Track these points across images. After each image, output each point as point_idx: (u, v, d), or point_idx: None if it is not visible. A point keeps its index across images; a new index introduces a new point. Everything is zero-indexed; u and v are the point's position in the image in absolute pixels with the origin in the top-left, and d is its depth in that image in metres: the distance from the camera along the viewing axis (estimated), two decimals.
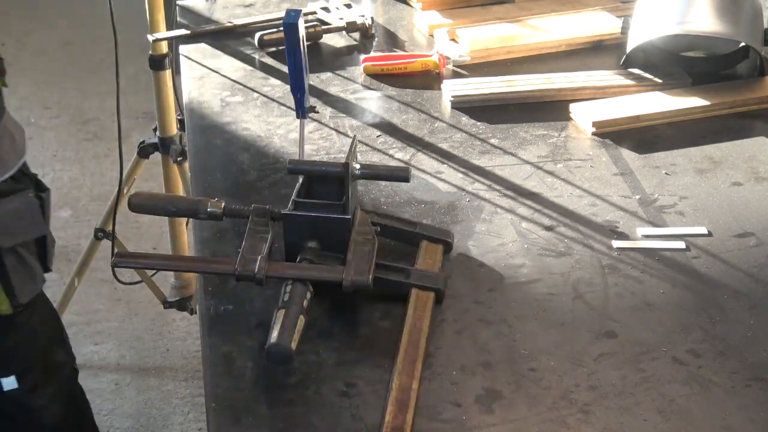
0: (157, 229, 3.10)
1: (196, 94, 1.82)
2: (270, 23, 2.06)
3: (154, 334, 2.86)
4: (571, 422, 1.10)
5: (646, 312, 1.27)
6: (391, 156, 1.63)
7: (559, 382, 1.16)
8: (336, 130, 1.70)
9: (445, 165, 1.60)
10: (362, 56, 1.94)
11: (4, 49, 3.88)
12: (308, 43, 1.75)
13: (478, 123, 1.72)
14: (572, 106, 1.73)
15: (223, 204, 1.33)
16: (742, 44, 1.87)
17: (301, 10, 1.42)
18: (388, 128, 1.71)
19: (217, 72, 1.90)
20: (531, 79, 1.82)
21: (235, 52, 1.98)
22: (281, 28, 1.45)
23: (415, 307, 1.25)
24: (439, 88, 1.83)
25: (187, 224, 2.64)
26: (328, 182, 1.33)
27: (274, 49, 1.97)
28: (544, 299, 1.30)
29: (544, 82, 1.81)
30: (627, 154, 1.63)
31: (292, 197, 1.31)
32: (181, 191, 2.53)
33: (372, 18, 2.07)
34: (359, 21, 2.04)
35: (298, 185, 1.34)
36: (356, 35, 2.05)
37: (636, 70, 1.85)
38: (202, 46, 2.00)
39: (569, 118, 1.73)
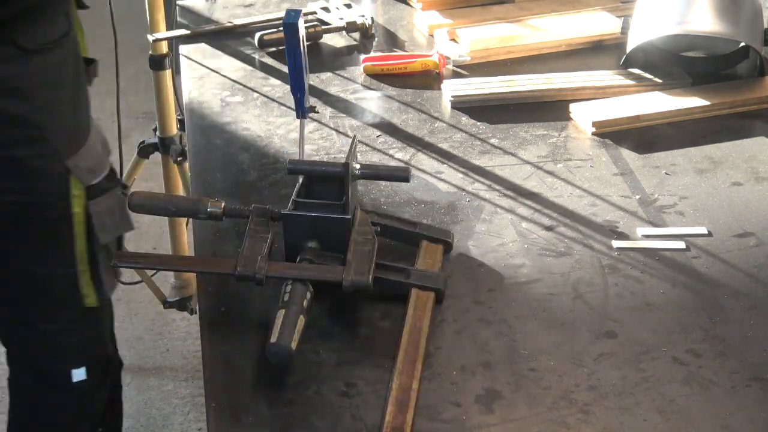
0: (157, 229, 3.10)
1: (196, 94, 1.82)
2: (270, 23, 2.06)
3: (154, 334, 2.86)
4: (571, 422, 1.10)
5: (646, 312, 1.27)
6: (391, 156, 1.63)
7: (559, 382, 1.16)
8: (336, 130, 1.70)
9: (445, 165, 1.60)
10: (362, 56, 1.94)
11: None
12: (308, 43, 1.75)
13: (478, 123, 1.72)
14: (572, 106, 1.73)
15: (223, 204, 1.33)
16: (742, 44, 1.87)
17: (301, 10, 1.42)
18: (388, 128, 1.71)
19: (217, 72, 1.90)
20: (531, 79, 1.82)
21: (235, 52, 1.98)
22: (281, 28, 1.45)
23: (415, 307, 1.25)
24: (439, 88, 1.83)
25: (187, 224, 2.65)
26: (328, 182, 1.33)
27: (274, 49, 1.97)
28: (544, 299, 1.30)
29: (544, 82, 1.81)
30: (627, 154, 1.63)
31: (292, 197, 1.31)
32: (181, 191, 2.53)
33: (372, 18, 2.07)
34: (359, 21, 2.04)
35: (298, 185, 1.34)
36: (356, 35, 2.05)
37: (636, 70, 1.85)
38: (202, 46, 2.01)
39: (569, 118, 1.73)
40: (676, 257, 1.37)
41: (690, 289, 1.32)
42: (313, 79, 1.85)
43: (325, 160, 1.60)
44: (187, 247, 2.67)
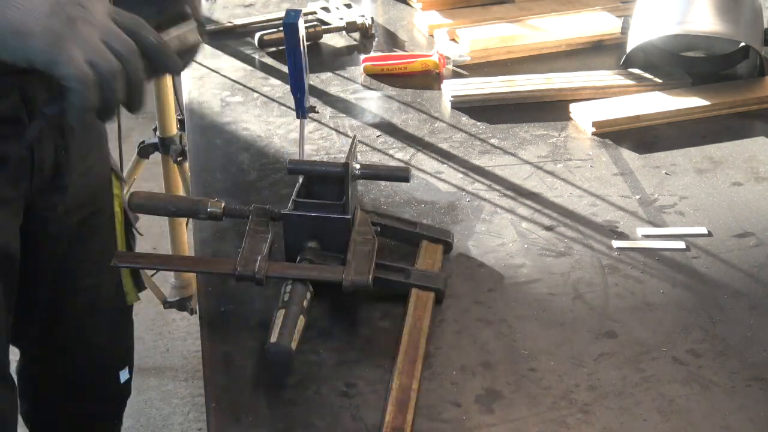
0: (157, 229, 3.09)
1: (196, 94, 1.82)
2: (270, 23, 2.06)
3: (154, 334, 2.86)
4: (571, 422, 1.10)
5: (646, 312, 1.27)
6: (391, 156, 1.63)
7: (559, 382, 1.16)
8: (336, 130, 1.70)
9: (445, 165, 1.60)
10: (362, 56, 1.94)
11: None
12: (308, 43, 1.75)
13: (478, 123, 1.72)
14: (572, 106, 1.73)
15: (223, 204, 1.33)
16: (742, 44, 1.87)
17: (301, 10, 1.42)
18: (388, 128, 1.71)
19: (217, 72, 1.90)
20: (531, 79, 1.82)
21: (235, 52, 1.98)
22: (281, 28, 1.45)
23: (415, 307, 1.25)
24: (439, 88, 1.83)
25: (187, 224, 2.65)
26: (328, 182, 1.33)
27: (274, 49, 1.97)
28: (544, 299, 1.30)
29: (544, 82, 1.81)
30: (627, 154, 1.63)
31: (292, 197, 1.31)
32: (181, 191, 2.53)
33: (372, 18, 2.07)
34: (359, 21, 2.04)
35: (298, 185, 1.34)
36: (356, 35, 2.05)
37: (636, 70, 1.85)
38: (202, 46, 2.00)
39: (569, 118, 1.73)
40: (676, 257, 1.37)
41: (690, 289, 1.32)
42: (313, 79, 1.85)
43: (325, 160, 1.60)
44: (187, 247, 2.67)
